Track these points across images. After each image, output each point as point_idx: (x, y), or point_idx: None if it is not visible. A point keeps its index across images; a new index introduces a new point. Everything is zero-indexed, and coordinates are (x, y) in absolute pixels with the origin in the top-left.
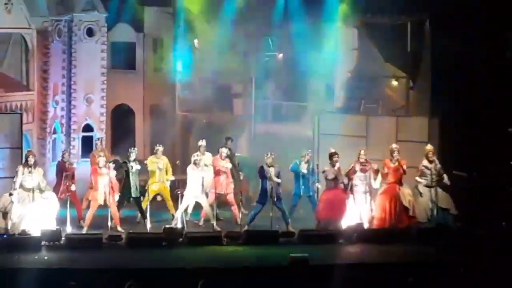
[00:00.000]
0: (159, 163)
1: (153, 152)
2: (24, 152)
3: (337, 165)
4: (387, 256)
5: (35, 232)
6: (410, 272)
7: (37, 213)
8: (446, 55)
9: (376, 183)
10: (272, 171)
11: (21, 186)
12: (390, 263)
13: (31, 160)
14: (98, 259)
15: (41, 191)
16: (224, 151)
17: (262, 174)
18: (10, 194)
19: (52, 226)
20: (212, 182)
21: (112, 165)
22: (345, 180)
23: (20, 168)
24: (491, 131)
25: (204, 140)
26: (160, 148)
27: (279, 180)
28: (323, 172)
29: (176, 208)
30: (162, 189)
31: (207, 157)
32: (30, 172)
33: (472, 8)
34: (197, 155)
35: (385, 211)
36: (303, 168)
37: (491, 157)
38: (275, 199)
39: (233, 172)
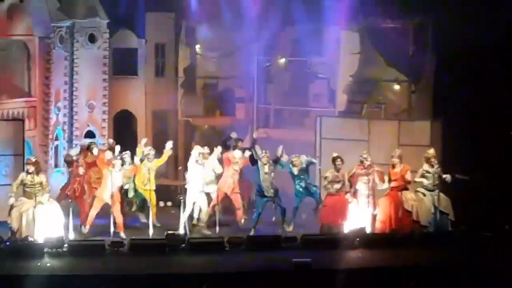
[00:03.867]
0: None
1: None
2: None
3: (342, 171)
4: (389, 261)
5: (38, 239)
6: (413, 276)
7: (43, 221)
8: (448, 58)
9: (384, 185)
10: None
11: (24, 193)
12: (392, 267)
13: (31, 169)
14: (101, 265)
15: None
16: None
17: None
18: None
19: (58, 233)
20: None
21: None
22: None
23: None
24: (494, 134)
25: (206, 147)
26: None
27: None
28: (325, 177)
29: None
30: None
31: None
32: (32, 180)
33: (475, 11)
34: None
35: (387, 215)
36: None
37: (493, 161)
38: (273, 196)
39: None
